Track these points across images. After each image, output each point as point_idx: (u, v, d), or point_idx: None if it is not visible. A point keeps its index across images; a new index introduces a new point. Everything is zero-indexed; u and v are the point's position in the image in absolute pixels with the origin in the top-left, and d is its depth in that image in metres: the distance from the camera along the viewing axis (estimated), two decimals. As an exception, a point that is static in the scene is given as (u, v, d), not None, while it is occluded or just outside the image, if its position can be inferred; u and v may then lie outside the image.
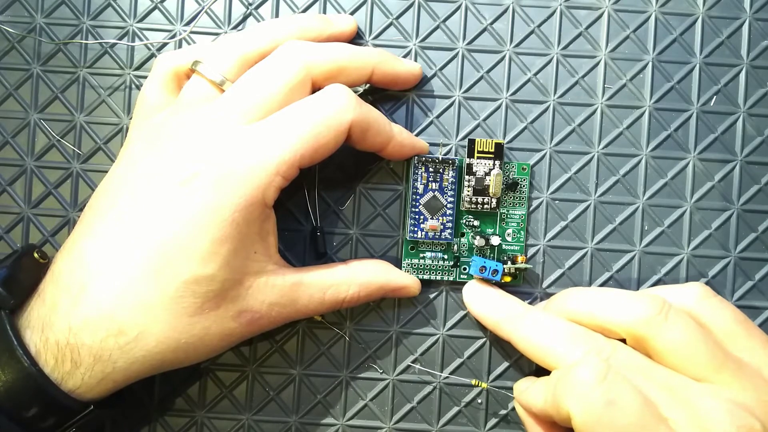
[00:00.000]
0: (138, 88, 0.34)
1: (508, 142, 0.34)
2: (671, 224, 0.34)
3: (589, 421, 0.25)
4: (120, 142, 0.34)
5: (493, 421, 0.33)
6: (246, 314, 0.28)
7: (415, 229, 0.32)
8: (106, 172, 0.30)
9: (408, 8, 0.34)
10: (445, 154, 0.33)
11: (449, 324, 0.34)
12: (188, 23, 0.34)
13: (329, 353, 0.34)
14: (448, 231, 0.32)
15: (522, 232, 0.33)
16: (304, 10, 0.34)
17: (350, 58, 0.30)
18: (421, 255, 0.33)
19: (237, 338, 0.29)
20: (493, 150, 0.32)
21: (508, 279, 0.32)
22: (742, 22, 0.34)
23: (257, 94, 0.28)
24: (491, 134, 0.34)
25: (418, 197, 0.32)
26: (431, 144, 0.33)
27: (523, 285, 0.33)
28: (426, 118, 0.34)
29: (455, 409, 0.33)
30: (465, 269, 0.33)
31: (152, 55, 0.34)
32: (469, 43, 0.34)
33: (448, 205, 0.32)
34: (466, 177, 0.32)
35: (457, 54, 0.34)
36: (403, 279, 0.32)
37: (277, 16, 0.34)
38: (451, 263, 0.33)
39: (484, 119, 0.34)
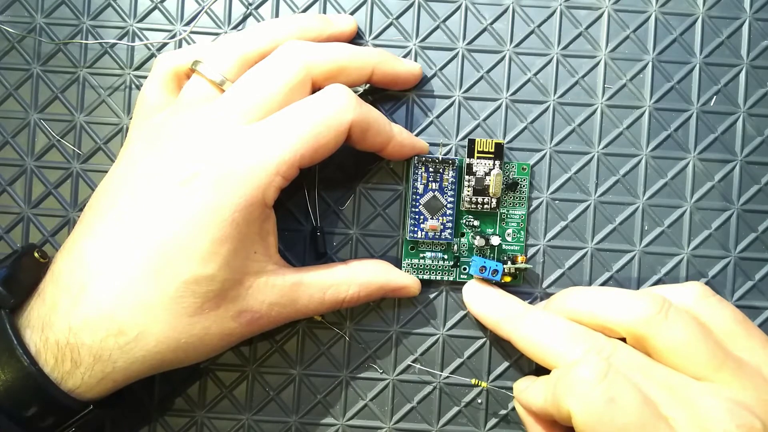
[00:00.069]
0: (138, 88, 0.34)
1: (508, 142, 0.34)
2: (671, 224, 0.34)
3: (589, 420, 0.25)
4: (120, 142, 0.34)
5: (493, 421, 0.33)
6: (246, 314, 0.28)
7: (415, 229, 0.32)
8: (106, 172, 0.30)
9: (408, 8, 0.34)
10: (445, 154, 0.33)
11: (449, 324, 0.34)
12: (188, 23, 0.34)
13: (329, 353, 0.34)
14: (448, 231, 0.32)
15: (522, 232, 0.33)
16: (304, 10, 0.34)
17: (350, 58, 0.30)
18: (421, 255, 0.33)
19: (237, 338, 0.29)
20: (493, 150, 0.32)
21: (508, 279, 0.32)
22: (742, 22, 0.34)
23: (257, 94, 0.28)
24: (491, 134, 0.34)
25: (418, 197, 0.32)
26: (431, 144, 0.33)
27: (523, 285, 0.33)
28: (426, 118, 0.34)
29: (455, 409, 0.33)
30: (465, 269, 0.33)
31: (152, 55, 0.34)
32: (469, 43, 0.34)
33: (448, 205, 0.32)
34: (466, 177, 0.32)
35: (457, 54, 0.34)
36: (403, 279, 0.32)
37: (277, 16, 0.34)
38: (451, 263, 0.33)
39: (484, 119, 0.34)
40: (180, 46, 0.34)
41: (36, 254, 0.29)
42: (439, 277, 0.33)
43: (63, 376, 0.26)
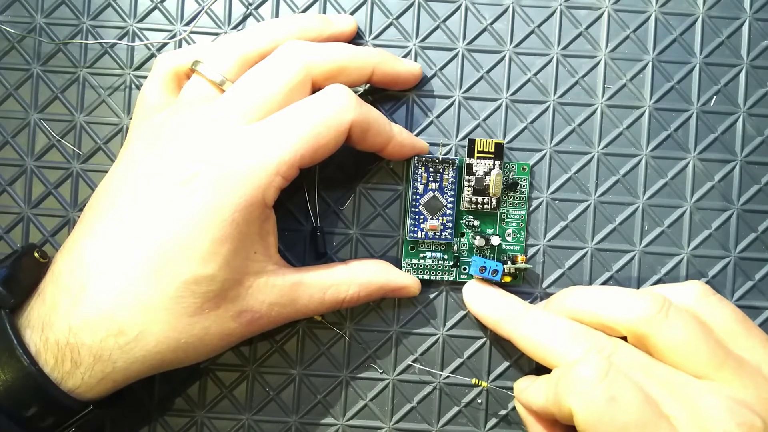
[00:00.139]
0: (138, 88, 0.34)
1: (508, 142, 0.34)
2: (671, 224, 0.34)
3: (590, 418, 0.25)
4: (120, 142, 0.34)
5: (493, 421, 0.33)
6: (246, 314, 0.28)
7: (415, 229, 0.32)
8: (106, 172, 0.30)
9: (408, 8, 0.34)
10: (445, 154, 0.33)
11: (449, 324, 0.34)
12: (188, 23, 0.34)
13: (329, 353, 0.34)
14: (448, 231, 0.32)
15: (522, 232, 0.33)
16: (304, 10, 0.34)
17: (350, 58, 0.30)
18: (421, 255, 0.33)
19: (237, 338, 0.29)
20: (493, 150, 0.32)
21: (508, 279, 0.32)
22: (742, 22, 0.34)
23: (257, 94, 0.28)
24: (491, 134, 0.34)
25: (418, 197, 0.32)
26: (431, 144, 0.33)
27: (523, 285, 0.33)
28: (426, 118, 0.34)
29: (455, 409, 0.33)
30: (465, 269, 0.33)
31: (152, 55, 0.34)
32: (469, 43, 0.34)
33: (448, 205, 0.32)
34: (466, 177, 0.32)
35: (457, 54, 0.34)
36: (403, 279, 0.32)
37: (277, 16, 0.34)
38: (451, 263, 0.33)
39: (484, 119, 0.34)
40: (180, 46, 0.34)
41: (36, 254, 0.29)
42: (439, 277, 0.33)
43: (63, 376, 0.26)
